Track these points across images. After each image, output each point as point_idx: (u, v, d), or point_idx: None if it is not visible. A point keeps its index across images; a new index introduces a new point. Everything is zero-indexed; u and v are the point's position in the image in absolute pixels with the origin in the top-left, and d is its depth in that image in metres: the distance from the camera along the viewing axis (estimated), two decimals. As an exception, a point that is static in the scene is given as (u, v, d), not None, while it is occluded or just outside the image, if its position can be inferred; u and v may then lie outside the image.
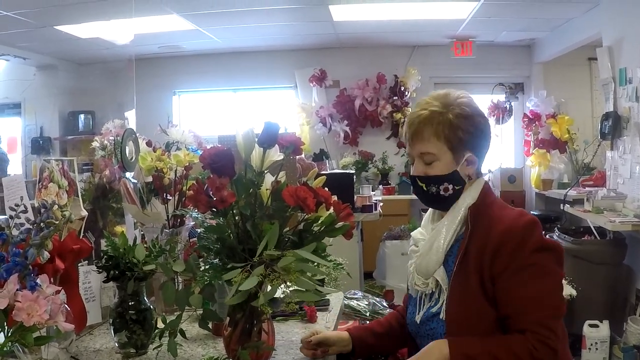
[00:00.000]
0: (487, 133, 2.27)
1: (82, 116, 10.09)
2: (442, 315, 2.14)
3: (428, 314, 2.21)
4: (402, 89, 9.86)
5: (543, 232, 2.13)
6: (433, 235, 2.23)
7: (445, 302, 2.14)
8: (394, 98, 9.89)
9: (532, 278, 2.03)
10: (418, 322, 2.25)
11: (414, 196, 9.10)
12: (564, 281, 5.64)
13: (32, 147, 10.05)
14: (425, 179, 2.22)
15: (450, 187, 2.20)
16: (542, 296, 2.02)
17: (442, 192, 2.21)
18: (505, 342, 1.99)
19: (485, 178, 2.37)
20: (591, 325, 5.42)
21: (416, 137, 2.21)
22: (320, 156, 9.27)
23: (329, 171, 6.90)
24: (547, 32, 8.85)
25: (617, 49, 6.53)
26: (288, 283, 1.75)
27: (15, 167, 9.90)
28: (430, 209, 2.39)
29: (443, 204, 2.26)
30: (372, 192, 6.76)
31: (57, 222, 1.73)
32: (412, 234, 2.42)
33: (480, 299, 2.06)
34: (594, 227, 6.20)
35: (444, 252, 2.17)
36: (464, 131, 2.18)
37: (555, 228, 6.74)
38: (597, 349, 5.38)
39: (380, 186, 9.60)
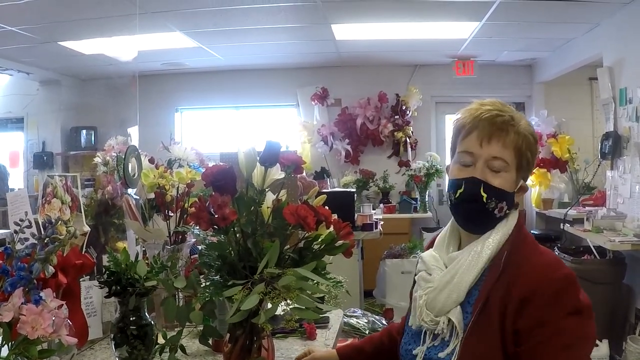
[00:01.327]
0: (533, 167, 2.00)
1: (84, 132, 10.12)
2: None
3: (432, 356, 1.90)
4: (404, 107, 9.89)
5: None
6: (454, 266, 1.91)
7: (458, 350, 1.82)
8: (396, 117, 9.92)
9: (567, 349, 1.74)
10: (416, 358, 1.95)
11: (414, 215, 9.27)
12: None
13: (34, 162, 10.07)
14: (490, 189, 1.88)
15: (505, 208, 1.90)
16: None
17: (496, 211, 1.89)
18: None
19: None
20: (590, 345, 5.42)
21: (496, 138, 1.89)
22: (321, 174, 9.29)
23: (330, 189, 6.94)
24: (548, 52, 8.90)
25: (617, 69, 6.57)
26: (288, 301, 1.76)
27: (17, 182, 9.92)
28: (447, 228, 2.07)
29: (485, 227, 1.92)
30: (372, 211, 6.78)
31: (61, 238, 1.74)
32: (422, 256, 2.05)
33: (499, 356, 1.76)
34: (593, 246, 6.22)
35: (466, 289, 1.86)
36: (532, 154, 1.94)
37: (555, 247, 6.76)
38: (596, 368, 5.39)
39: (381, 205, 9.59)
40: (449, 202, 1.99)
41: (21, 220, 1.75)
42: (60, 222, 1.79)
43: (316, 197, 2.00)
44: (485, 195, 1.87)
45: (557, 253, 6.36)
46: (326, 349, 2.47)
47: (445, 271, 1.92)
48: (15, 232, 1.77)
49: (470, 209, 1.91)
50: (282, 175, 1.94)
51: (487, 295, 1.81)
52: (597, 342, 5.43)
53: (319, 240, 1.91)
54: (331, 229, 1.91)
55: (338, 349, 2.34)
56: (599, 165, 7.42)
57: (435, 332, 1.89)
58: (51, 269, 1.71)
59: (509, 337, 1.76)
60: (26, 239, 1.76)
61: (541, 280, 1.77)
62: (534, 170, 7.36)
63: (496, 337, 1.77)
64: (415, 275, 2.06)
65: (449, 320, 1.86)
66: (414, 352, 1.96)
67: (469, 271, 1.87)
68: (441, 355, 1.86)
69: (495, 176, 1.88)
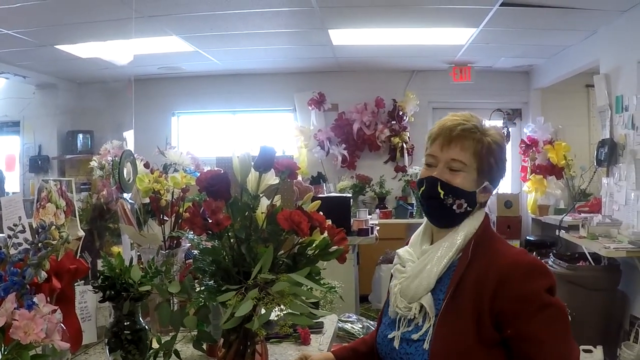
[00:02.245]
0: (504, 172, 2.20)
1: (80, 136, 10.11)
2: (425, 345, 1.98)
3: (406, 338, 2.06)
4: (401, 113, 9.90)
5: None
6: (426, 258, 2.09)
7: (431, 332, 1.98)
8: (392, 122, 9.92)
9: (554, 323, 1.94)
10: (393, 342, 2.11)
11: (410, 220, 9.26)
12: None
13: (30, 165, 10.06)
14: (446, 186, 2.08)
15: (465, 205, 2.08)
16: (567, 352, 1.97)
17: (455, 207, 2.08)
18: None
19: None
20: (585, 351, 5.42)
21: (455, 142, 2.09)
22: (317, 179, 9.29)
23: (326, 194, 6.93)
24: (545, 59, 8.91)
25: (614, 77, 6.58)
26: (282, 306, 1.76)
27: (13, 186, 9.91)
28: (422, 227, 2.27)
29: (447, 221, 2.12)
30: (368, 216, 6.79)
31: (54, 243, 1.74)
32: (398, 251, 2.25)
33: (471, 336, 1.93)
34: (588, 253, 6.22)
35: (436, 277, 2.04)
36: (495, 160, 2.12)
37: (551, 254, 6.77)
38: (590, 374, 5.39)
39: (377, 210, 9.60)
40: (419, 201, 2.18)
41: (15, 225, 1.75)
42: (53, 227, 1.79)
43: (311, 202, 2.01)
44: (442, 192, 2.08)
45: (552, 259, 6.40)
46: (321, 353, 2.46)
47: (418, 262, 2.12)
48: (9, 236, 1.77)
49: (431, 204, 2.13)
50: (276, 180, 1.94)
51: (457, 282, 2.00)
52: (592, 348, 5.44)
53: (313, 245, 1.91)
54: (325, 234, 1.92)
55: (334, 351, 2.38)
56: (594, 172, 7.43)
57: (409, 317, 2.07)
58: (44, 274, 1.71)
59: (485, 319, 1.93)
60: (20, 244, 1.75)
61: (515, 263, 1.99)
62: (529, 177, 7.35)
63: (468, 320, 1.94)
64: (392, 268, 2.24)
65: (422, 306, 2.04)
66: (390, 336, 2.13)
67: (438, 262, 2.06)
68: (414, 337, 2.03)
69: (455, 176, 2.09)
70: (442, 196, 2.08)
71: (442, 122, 2.17)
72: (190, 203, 2.02)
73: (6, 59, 8.43)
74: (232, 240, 1.87)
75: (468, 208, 2.10)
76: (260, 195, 1.93)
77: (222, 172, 1.84)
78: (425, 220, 2.26)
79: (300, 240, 1.87)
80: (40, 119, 10.10)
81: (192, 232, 1.89)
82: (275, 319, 1.83)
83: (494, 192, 2.27)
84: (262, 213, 1.90)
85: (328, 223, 1.92)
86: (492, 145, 2.10)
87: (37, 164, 9.98)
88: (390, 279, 2.24)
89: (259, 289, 1.74)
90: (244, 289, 1.76)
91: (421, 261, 2.10)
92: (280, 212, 1.82)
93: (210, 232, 1.82)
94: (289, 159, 2.00)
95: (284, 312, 1.78)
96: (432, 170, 2.13)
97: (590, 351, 5.43)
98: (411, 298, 2.06)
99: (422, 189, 2.15)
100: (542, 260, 6.67)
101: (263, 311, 1.78)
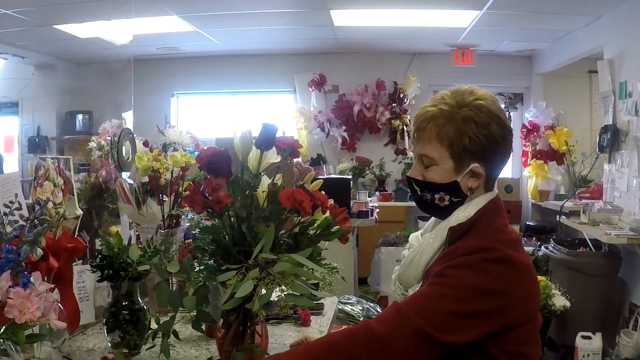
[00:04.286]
0: (502, 143, 1.95)
1: (79, 116, 10.07)
2: None
3: None
4: (402, 95, 9.87)
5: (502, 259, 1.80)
6: (418, 247, 2.00)
7: None
8: (393, 105, 9.89)
9: (429, 285, 1.81)
10: None
11: (410, 203, 9.25)
12: (556, 291, 5.67)
13: (29, 146, 10.03)
14: (420, 184, 1.99)
15: (447, 197, 1.96)
16: (422, 300, 1.76)
17: (437, 201, 1.97)
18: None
19: None
20: (584, 337, 5.41)
21: (419, 135, 1.97)
22: (317, 161, 9.28)
23: (325, 176, 6.90)
24: (548, 44, 8.87)
25: (618, 63, 6.54)
26: (283, 287, 1.74)
27: (11, 166, 9.88)
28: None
29: (440, 213, 2.01)
30: (368, 198, 6.77)
31: (51, 219, 1.71)
32: (410, 235, 2.19)
33: None
34: (589, 239, 6.21)
35: (422, 270, 1.95)
36: (470, 139, 1.89)
37: (551, 239, 6.75)
38: (589, 360, 5.37)
39: (377, 192, 9.60)
40: None
41: (11, 202, 1.72)
42: (49, 202, 1.76)
43: (312, 182, 1.98)
44: (418, 189, 2.02)
45: (552, 245, 6.37)
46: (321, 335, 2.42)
47: (412, 250, 2.03)
48: (5, 214, 1.74)
49: (417, 201, 2.06)
50: (278, 158, 1.91)
51: (429, 274, 1.89)
52: (591, 335, 5.42)
53: (315, 225, 1.89)
54: (327, 214, 1.89)
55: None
56: (596, 159, 7.40)
57: None
58: (40, 251, 1.68)
59: None
60: (16, 222, 1.73)
61: (460, 245, 1.86)
62: (530, 162, 7.28)
63: None
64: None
65: None
66: None
67: (425, 251, 1.96)
68: None
69: (427, 171, 1.98)
70: (419, 193, 2.02)
71: (418, 110, 2.04)
72: (190, 182, 1.99)
73: (5, 39, 8.38)
74: (232, 219, 1.84)
75: (453, 199, 1.97)
76: (262, 173, 1.90)
77: (222, 149, 1.81)
78: None
79: (302, 219, 1.84)
80: (39, 100, 10.07)
81: (191, 211, 1.87)
82: (276, 299, 1.81)
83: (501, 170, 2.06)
84: (263, 192, 1.88)
85: (330, 202, 1.89)
86: (462, 125, 1.90)
87: (35, 144, 9.95)
88: None
89: (260, 268, 1.71)
90: (244, 268, 1.74)
91: (415, 249, 2.02)
92: (282, 190, 1.79)
93: (210, 210, 1.80)
94: (291, 138, 1.96)
95: (285, 293, 1.75)
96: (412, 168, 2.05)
97: (589, 338, 5.41)
98: (405, 286, 2.03)
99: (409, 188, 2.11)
100: (543, 247, 6.70)
101: (263, 292, 1.75)
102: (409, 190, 2.22)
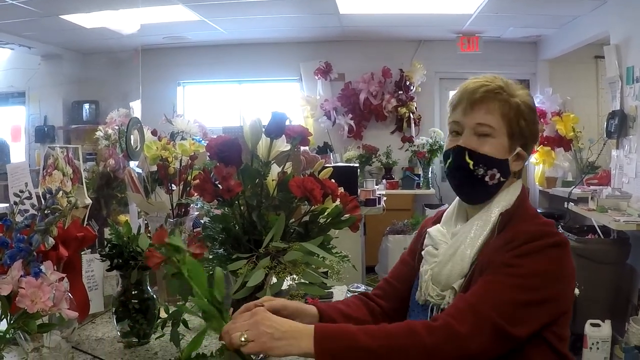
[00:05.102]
0: (537, 137, 2.02)
1: (86, 106, 10.10)
2: None
3: None
4: (408, 83, 9.84)
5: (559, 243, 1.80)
6: (458, 239, 1.92)
7: None
8: (399, 92, 9.86)
9: (497, 275, 1.74)
10: None
11: (417, 191, 9.26)
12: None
13: (36, 135, 10.05)
14: (475, 156, 1.89)
15: (498, 175, 1.90)
16: (495, 291, 1.70)
17: (487, 179, 1.90)
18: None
19: None
20: (593, 325, 5.39)
21: (479, 105, 1.91)
22: (324, 149, 9.28)
23: (332, 164, 6.89)
24: (554, 29, 8.83)
25: (624, 48, 6.51)
26: (294, 276, 1.73)
27: (18, 156, 9.91)
28: (454, 203, 2.09)
29: (478, 196, 1.95)
30: (375, 186, 6.75)
31: (62, 208, 1.71)
32: (429, 231, 2.04)
33: None
34: (598, 226, 6.19)
35: (470, 261, 1.85)
36: (527, 122, 1.93)
37: (559, 226, 6.73)
38: (598, 348, 5.35)
39: (384, 180, 9.57)
40: (446, 176, 2.01)
41: (21, 191, 1.72)
42: (61, 192, 1.76)
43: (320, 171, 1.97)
44: (471, 162, 1.90)
45: (560, 232, 6.35)
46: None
47: (449, 244, 1.93)
48: (15, 203, 1.74)
49: (460, 177, 1.94)
50: (287, 147, 1.91)
51: (475, 264, 1.84)
52: (600, 322, 5.40)
53: (325, 213, 1.88)
54: (337, 202, 1.88)
55: (319, 306, 1.92)
56: (604, 144, 7.37)
57: (442, 307, 1.88)
58: (51, 241, 1.67)
59: None
60: (26, 211, 1.73)
61: (518, 231, 1.81)
62: (537, 148, 7.25)
63: None
64: (422, 250, 2.04)
65: (455, 293, 1.85)
66: None
67: (472, 243, 1.87)
68: None
69: (483, 143, 1.90)
70: (471, 167, 1.89)
71: (464, 86, 1.98)
72: (199, 170, 1.98)
73: (11, 29, 8.39)
74: (242, 208, 1.84)
75: (501, 178, 1.91)
76: (271, 162, 1.89)
77: (233, 137, 1.81)
78: (457, 197, 2.07)
79: (312, 208, 1.84)
80: (45, 90, 10.09)
81: (201, 200, 1.86)
82: (286, 288, 1.81)
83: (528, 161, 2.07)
84: (273, 180, 1.87)
85: (340, 191, 1.88)
86: (521, 106, 1.92)
87: (42, 134, 9.97)
88: (419, 260, 2.06)
89: (271, 257, 1.71)
90: (255, 257, 1.73)
91: (453, 243, 1.93)
92: (292, 179, 1.78)
93: (220, 199, 1.79)
94: (300, 126, 1.95)
95: (296, 281, 1.75)
96: (457, 139, 1.94)
97: (598, 325, 5.39)
98: (444, 285, 1.89)
99: (449, 161, 1.95)
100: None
101: (274, 280, 1.75)
102: (450, 164, 1.95)
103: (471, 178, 1.91)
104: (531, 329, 1.70)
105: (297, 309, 1.82)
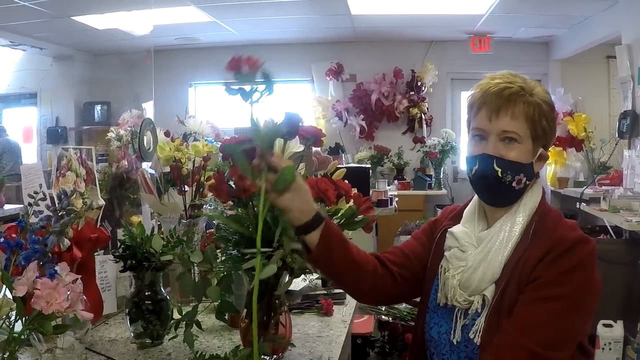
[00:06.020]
0: (555, 133, 2.00)
1: (98, 107, 10.13)
2: (476, 340, 1.83)
3: (465, 336, 1.90)
4: (419, 84, 9.83)
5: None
6: (486, 244, 1.91)
7: (483, 324, 1.83)
8: (411, 93, 9.85)
9: (544, 300, 1.75)
10: (448, 336, 1.94)
11: (429, 192, 9.24)
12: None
13: (47, 136, 10.09)
14: (503, 163, 1.87)
15: (524, 179, 1.89)
16: (542, 321, 1.73)
17: (514, 184, 1.88)
18: None
19: None
20: (605, 325, 5.37)
21: (504, 110, 1.87)
22: (336, 150, 9.27)
23: (344, 165, 6.89)
24: (565, 29, 8.81)
25: (636, 48, 6.49)
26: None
27: (30, 157, 9.94)
28: (473, 203, 2.07)
29: (505, 200, 1.94)
30: (387, 187, 6.74)
31: (77, 210, 1.72)
32: (452, 230, 2.02)
33: None
34: (610, 226, 6.17)
35: (502, 266, 1.85)
36: (547, 121, 1.91)
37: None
38: (610, 349, 5.34)
39: (396, 181, 9.55)
40: (469, 179, 1.99)
41: (35, 192, 1.72)
42: (76, 194, 1.76)
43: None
44: (499, 170, 1.88)
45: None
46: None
47: (479, 249, 1.92)
48: (30, 204, 1.74)
49: (487, 184, 1.92)
50: (301, 147, 1.90)
51: (512, 268, 1.83)
52: (612, 322, 5.39)
53: (339, 214, 1.88)
54: (351, 203, 1.88)
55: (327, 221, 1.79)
56: (615, 145, 7.35)
57: (469, 311, 1.89)
58: (67, 242, 1.68)
59: None
60: (40, 212, 1.73)
61: (560, 239, 1.81)
62: (549, 149, 7.25)
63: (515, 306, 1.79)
64: (446, 250, 2.02)
65: (484, 298, 1.86)
66: (452, 339, 1.93)
67: (502, 248, 1.87)
68: (471, 335, 1.86)
69: (510, 149, 1.88)
70: (499, 174, 1.88)
71: (484, 87, 1.95)
72: (213, 171, 1.99)
73: (23, 30, 8.42)
74: (256, 209, 1.84)
75: (527, 182, 1.92)
76: (285, 162, 1.89)
77: (247, 138, 1.81)
78: (475, 196, 2.06)
79: (327, 209, 1.84)
80: (57, 91, 10.13)
81: (214, 202, 1.87)
82: (299, 289, 1.81)
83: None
84: (287, 181, 1.87)
85: (354, 192, 1.88)
86: (542, 106, 1.90)
87: (54, 135, 10.00)
88: (438, 258, 2.06)
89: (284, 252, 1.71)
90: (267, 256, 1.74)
91: (482, 248, 1.91)
92: (306, 180, 1.78)
93: (235, 200, 1.79)
94: (314, 127, 1.95)
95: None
96: (483, 146, 1.91)
97: (610, 326, 5.38)
98: (473, 290, 1.88)
99: (475, 168, 1.93)
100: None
101: (287, 279, 1.75)
102: (475, 170, 1.93)
103: (499, 185, 1.90)
104: (575, 346, 1.78)
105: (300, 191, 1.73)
